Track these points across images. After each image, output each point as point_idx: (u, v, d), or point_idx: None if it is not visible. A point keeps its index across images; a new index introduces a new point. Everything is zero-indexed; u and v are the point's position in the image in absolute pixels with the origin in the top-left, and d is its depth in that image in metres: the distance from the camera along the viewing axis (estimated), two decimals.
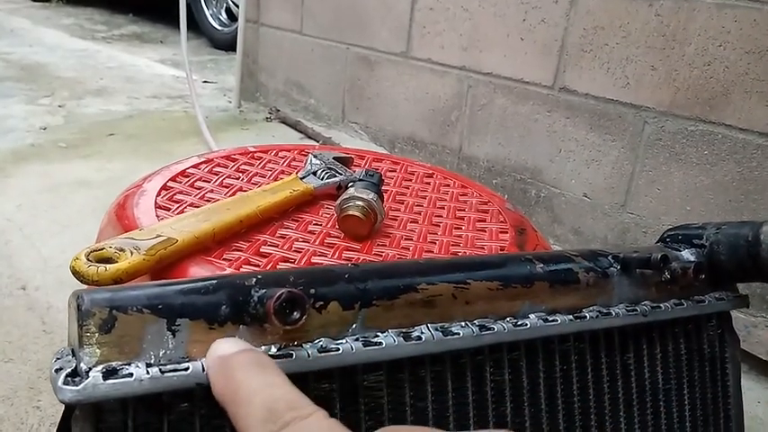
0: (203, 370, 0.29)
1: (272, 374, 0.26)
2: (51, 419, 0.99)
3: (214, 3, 3.61)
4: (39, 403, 1.02)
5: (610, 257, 0.43)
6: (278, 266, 0.50)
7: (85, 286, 0.51)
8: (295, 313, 0.30)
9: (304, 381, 0.32)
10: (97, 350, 0.28)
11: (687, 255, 0.47)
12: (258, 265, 0.49)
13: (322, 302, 0.33)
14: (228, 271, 0.48)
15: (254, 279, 0.32)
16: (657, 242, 0.50)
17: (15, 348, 1.13)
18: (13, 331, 1.17)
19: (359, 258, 0.53)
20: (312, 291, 0.32)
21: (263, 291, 0.31)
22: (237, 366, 0.27)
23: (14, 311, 1.22)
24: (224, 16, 3.62)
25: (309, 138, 2.24)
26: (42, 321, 1.21)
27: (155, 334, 0.29)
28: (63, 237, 1.50)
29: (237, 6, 3.03)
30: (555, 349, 0.39)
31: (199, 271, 0.47)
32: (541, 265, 0.40)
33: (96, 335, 0.28)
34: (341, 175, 0.65)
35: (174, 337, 0.29)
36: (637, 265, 0.42)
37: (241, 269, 0.48)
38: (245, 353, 0.28)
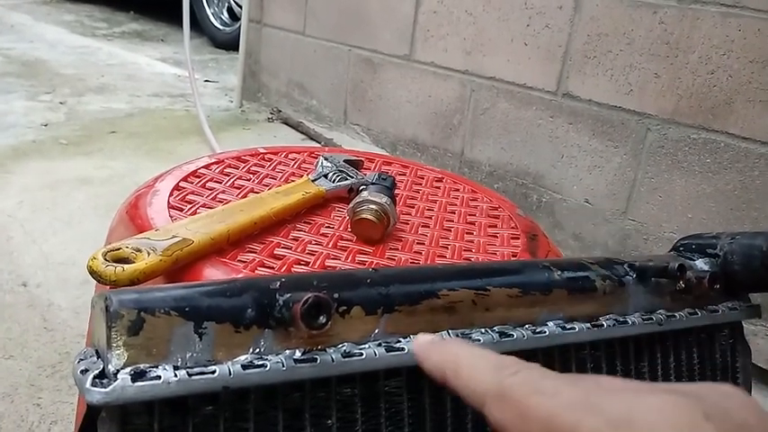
0: (230, 374, 0.29)
1: (480, 348, 0.30)
2: (52, 417, 0.99)
3: (216, 2, 3.61)
4: (39, 401, 1.01)
5: (625, 266, 0.43)
6: (292, 269, 0.50)
7: (100, 286, 0.51)
8: (321, 317, 0.30)
9: (327, 385, 0.32)
10: (125, 352, 0.28)
11: (701, 264, 0.47)
12: (273, 268, 0.49)
13: (345, 307, 0.33)
14: (243, 273, 0.48)
15: (279, 282, 0.32)
16: (670, 251, 0.51)
17: (16, 345, 1.13)
18: (14, 328, 1.17)
19: (372, 262, 0.53)
20: (336, 295, 0.32)
21: (288, 295, 0.31)
22: (450, 343, 0.32)
23: (15, 308, 1.22)
24: (225, 15, 3.62)
25: (311, 139, 2.24)
26: (43, 318, 1.20)
27: (182, 336, 0.29)
28: (64, 234, 1.50)
29: (239, 6, 3.03)
30: (571, 357, 0.40)
31: (214, 272, 0.47)
32: (559, 273, 0.40)
33: (124, 337, 0.28)
34: (352, 178, 0.65)
35: (201, 339, 0.29)
36: (653, 273, 0.43)
37: (256, 271, 0.48)
38: (448, 337, 0.34)
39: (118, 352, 0.28)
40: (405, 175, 0.76)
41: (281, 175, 0.69)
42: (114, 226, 0.59)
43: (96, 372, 0.27)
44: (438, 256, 0.56)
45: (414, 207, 0.67)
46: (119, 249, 0.43)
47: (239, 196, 0.61)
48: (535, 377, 0.26)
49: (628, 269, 0.43)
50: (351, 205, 0.57)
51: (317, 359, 0.31)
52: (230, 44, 3.36)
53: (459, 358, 0.29)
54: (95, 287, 0.56)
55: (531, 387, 0.25)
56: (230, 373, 0.29)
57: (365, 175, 0.66)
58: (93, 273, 0.41)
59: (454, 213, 0.66)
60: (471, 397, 0.28)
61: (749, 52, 1.23)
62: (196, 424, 0.29)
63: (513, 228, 0.64)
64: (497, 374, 0.27)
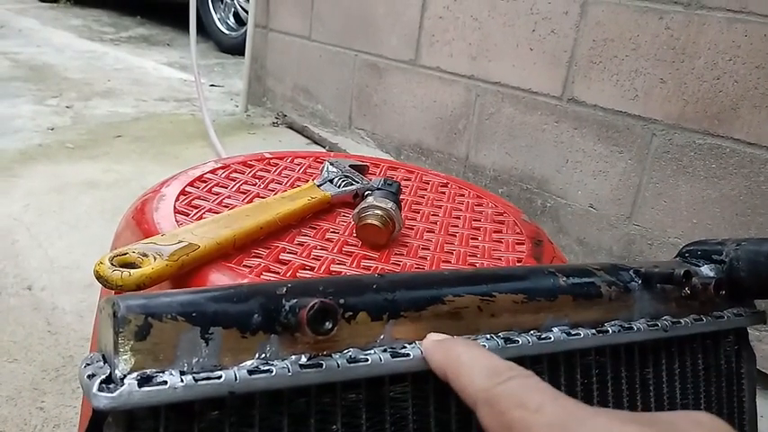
0: (236, 379, 0.29)
1: (484, 350, 0.31)
2: (55, 421, 0.99)
3: (222, 7, 3.62)
4: (42, 404, 1.02)
5: (631, 272, 0.43)
6: (297, 274, 0.50)
7: (105, 290, 0.51)
8: (327, 323, 0.30)
9: (332, 390, 0.32)
10: (132, 357, 0.28)
11: (706, 270, 0.47)
12: (278, 273, 0.50)
13: (351, 313, 0.33)
14: (248, 278, 0.48)
15: (285, 288, 0.32)
16: (676, 257, 0.50)
17: (20, 348, 1.13)
18: (19, 331, 1.17)
19: (377, 267, 0.54)
20: (342, 301, 0.33)
21: (295, 300, 0.31)
22: (455, 344, 0.32)
23: (20, 311, 1.23)
24: (231, 20, 3.63)
25: (316, 143, 2.25)
26: (48, 322, 1.21)
27: (188, 342, 0.29)
28: (70, 237, 1.50)
29: (245, 11, 3.05)
30: (576, 363, 0.40)
31: (220, 278, 0.47)
32: (564, 279, 0.40)
33: (131, 342, 0.28)
34: (357, 183, 0.65)
35: (208, 345, 0.29)
36: (658, 279, 0.43)
37: (261, 276, 0.49)
38: (457, 338, 0.34)
39: (125, 357, 0.28)
40: (410, 180, 0.76)
41: (286, 180, 0.69)
42: (120, 231, 0.60)
43: (103, 377, 0.27)
44: (443, 262, 0.56)
45: (419, 212, 0.67)
46: (125, 254, 0.43)
47: (245, 201, 0.62)
48: (524, 388, 0.27)
49: (633, 275, 0.43)
50: (356, 210, 0.57)
51: (322, 365, 0.31)
52: (236, 49, 3.38)
53: (460, 359, 0.30)
54: (101, 291, 0.56)
55: (516, 399, 0.26)
56: (236, 379, 0.29)
57: (370, 180, 0.66)
58: (99, 277, 0.42)
59: (459, 219, 0.66)
60: (466, 399, 0.29)
61: (755, 58, 1.23)
62: (202, 429, 0.29)
63: (518, 233, 0.64)
64: (490, 380, 0.28)
